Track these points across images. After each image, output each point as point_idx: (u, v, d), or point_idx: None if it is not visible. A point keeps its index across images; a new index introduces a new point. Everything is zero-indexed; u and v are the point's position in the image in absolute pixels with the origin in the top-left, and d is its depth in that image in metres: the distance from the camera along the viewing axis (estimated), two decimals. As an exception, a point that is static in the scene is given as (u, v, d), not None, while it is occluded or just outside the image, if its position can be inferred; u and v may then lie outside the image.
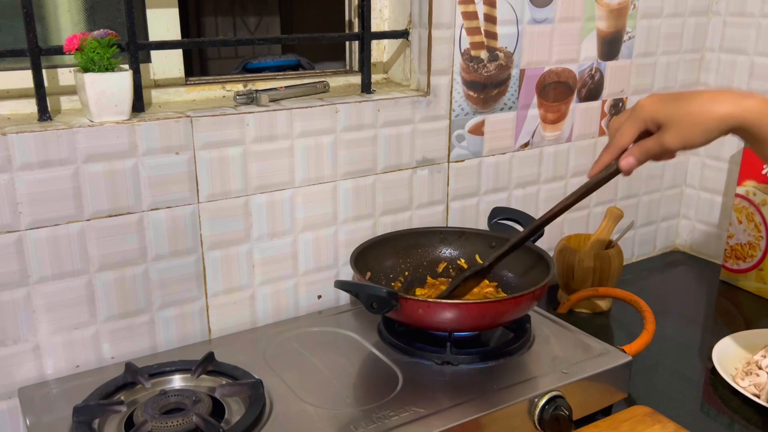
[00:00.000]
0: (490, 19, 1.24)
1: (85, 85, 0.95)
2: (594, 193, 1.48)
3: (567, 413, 0.94)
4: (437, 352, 1.02)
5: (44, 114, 0.97)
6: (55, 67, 1.06)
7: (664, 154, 0.85)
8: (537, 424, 0.94)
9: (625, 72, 1.45)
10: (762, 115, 0.80)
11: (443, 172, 1.28)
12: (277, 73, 1.27)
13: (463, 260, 1.22)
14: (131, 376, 0.96)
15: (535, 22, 1.29)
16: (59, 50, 0.97)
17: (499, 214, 1.22)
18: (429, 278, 1.19)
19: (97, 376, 0.99)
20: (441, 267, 1.21)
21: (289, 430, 0.88)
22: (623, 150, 0.87)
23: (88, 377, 0.99)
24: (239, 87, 1.18)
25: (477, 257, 1.20)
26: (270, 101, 1.12)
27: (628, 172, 0.87)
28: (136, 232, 1.02)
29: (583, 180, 1.47)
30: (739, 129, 0.81)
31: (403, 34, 1.24)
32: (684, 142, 0.82)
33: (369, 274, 1.13)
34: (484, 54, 1.25)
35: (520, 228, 1.20)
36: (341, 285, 1.04)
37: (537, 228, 1.02)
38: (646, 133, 0.86)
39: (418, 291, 1.16)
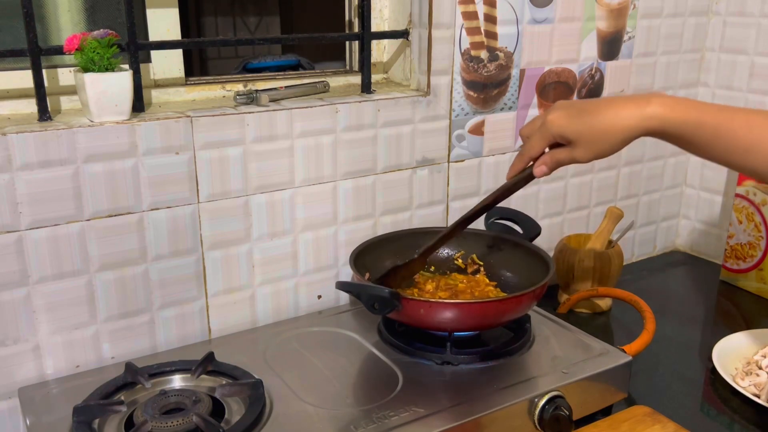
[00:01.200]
0: (490, 19, 1.24)
1: (85, 85, 0.95)
2: (594, 193, 1.50)
3: (567, 413, 0.94)
4: (437, 352, 1.02)
5: (44, 114, 0.97)
6: (55, 67, 1.06)
7: (577, 163, 0.91)
8: (537, 424, 0.94)
9: (625, 72, 1.45)
10: (664, 121, 0.82)
11: (443, 172, 1.28)
12: (277, 73, 1.27)
13: (460, 260, 1.22)
14: (131, 376, 0.96)
15: (535, 22, 1.29)
16: (59, 50, 0.97)
17: (495, 213, 1.22)
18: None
19: (97, 376, 0.99)
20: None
21: (289, 430, 0.88)
22: (533, 159, 0.93)
23: (88, 377, 0.99)
24: (239, 87, 1.18)
25: (474, 257, 1.20)
26: (270, 101, 1.12)
27: (540, 176, 0.93)
28: (136, 232, 1.02)
29: (583, 180, 1.47)
30: (649, 134, 0.85)
31: (403, 34, 1.24)
32: (594, 155, 0.88)
33: (368, 274, 1.13)
34: (484, 54, 1.25)
35: (516, 227, 1.20)
36: (342, 286, 1.03)
37: (456, 227, 1.06)
38: (556, 144, 0.91)
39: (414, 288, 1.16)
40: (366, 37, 1.19)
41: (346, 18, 1.33)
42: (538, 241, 1.18)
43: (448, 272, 1.21)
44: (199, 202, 1.06)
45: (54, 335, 1.00)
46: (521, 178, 0.95)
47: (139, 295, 1.05)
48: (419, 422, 0.88)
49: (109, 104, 0.96)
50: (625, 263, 1.37)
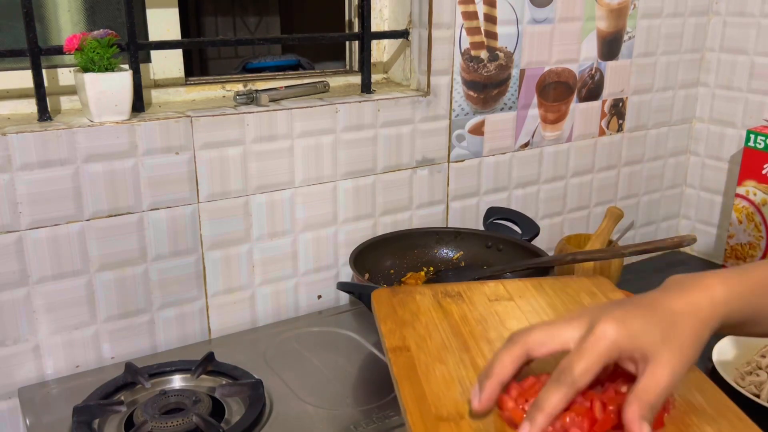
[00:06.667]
0: (490, 19, 1.24)
1: (85, 85, 0.95)
2: (594, 193, 1.50)
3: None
4: (437, 352, 1.02)
5: (44, 114, 0.97)
6: (55, 67, 1.06)
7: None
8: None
9: (625, 72, 1.45)
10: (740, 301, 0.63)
11: (443, 172, 1.28)
12: (277, 73, 1.27)
13: (463, 262, 1.22)
14: (131, 376, 0.96)
15: (535, 22, 1.29)
16: (59, 50, 0.97)
17: (494, 214, 1.23)
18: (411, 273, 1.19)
19: (97, 376, 0.99)
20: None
21: (289, 430, 0.88)
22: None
23: (88, 377, 0.99)
24: (239, 87, 1.18)
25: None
26: (270, 101, 1.12)
27: None
28: (136, 232, 1.02)
29: (583, 180, 1.47)
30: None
31: (403, 34, 1.24)
32: (682, 368, 0.58)
33: (368, 275, 1.13)
34: (484, 54, 1.25)
35: (515, 228, 1.20)
36: (343, 287, 1.03)
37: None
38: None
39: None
40: (366, 37, 1.19)
41: (346, 18, 1.33)
42: (538, 242, 1.18)
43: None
44: (199, 202, 1.06)
45: (54, 335, 1.00)
46: None
47: (139, 295, 1.05)
48: (419, 422, 0.88)
49: (109, 104, 0.96)
50: (625, 263, 1.37)
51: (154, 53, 1.12)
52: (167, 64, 1.14)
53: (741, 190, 1.44)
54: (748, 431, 0.61)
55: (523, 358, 0.57)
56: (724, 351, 1.16)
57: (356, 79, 1.27)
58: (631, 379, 0.57)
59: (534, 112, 1.35)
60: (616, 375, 0.59)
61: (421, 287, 0.82)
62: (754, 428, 0.61)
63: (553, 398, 0.54)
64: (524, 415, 0.56)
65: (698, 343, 0.59)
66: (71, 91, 1.04)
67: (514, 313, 0.77)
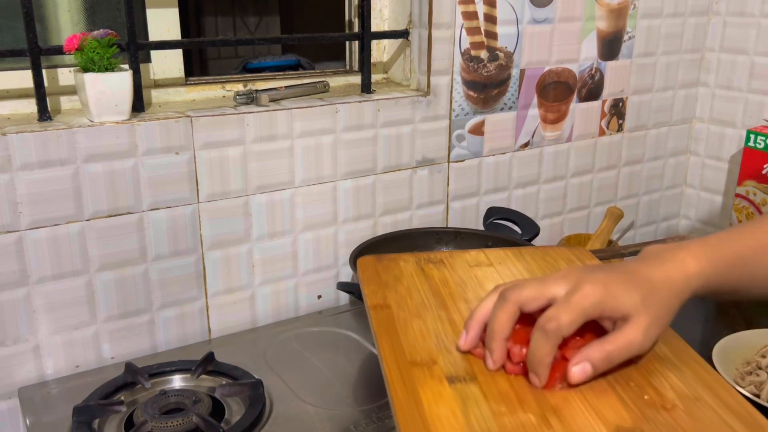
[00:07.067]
0: (490, 19, 1.24)
1: (85, 85, 0.95)
2: (594, 193, 1.50)
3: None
4: (437, 352, 1.02)
5: (44, 114, 0.97)
6: (55, 67, 1.06)
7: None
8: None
9: (625, 72, 1.45)
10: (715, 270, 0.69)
11: (443, 172, 1.28)
12: (277, 73, 1.27)
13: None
14: (131, 376, 0.96)
15: (535, 22, 1.29)
16: (59, 50, 0.97)
17: (494, 214, 1.22)
18: None
19: (97, 376, 0.99)
20: None
21: (289, 430, 0.88)
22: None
23: (88, 377, 0.99)
24: (239, 87, 1.18)
25: None
26: (270, 101, 1.12)
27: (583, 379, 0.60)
28: (136, 232, 1.02)
29: (583, 180, 1.47)
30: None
31: (403, 34, 1.24)
32: (659, 332, 0.63)
33: (369, 274, 1.13)
34: (484, 54, 1.25)
35: (515, 228, 1.20)
36: (343, 287, 1.03)
37: None
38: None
39: None
40: (366, 37, 1.19)
41: (346, 18, 1.33)
42: (538, 242, 1.18)
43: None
44: (199, 202, 1.06)
45: (54, 335, 1.00)
46: None
47: (139, 295, 1.05)
48: (419, 422, 0.88)
49: (109, 104, 0.96)
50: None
51: (154, 53, 1.12)
52: (167, 64, 1.14)
53: (741, 190, 1.44)
54: (710, 378, 0.63)
55: (517, 314, 0.61)
56: (724, 351, 1.16)
57: (356, 79, 1.27)
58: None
59: (534, 112, 1.35)
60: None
61: (405, 255, 0.85)
62: (716, 376, 0.63)
63: (546, 348, 0.59)
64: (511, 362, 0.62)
65: (672, 312, 0.64)
66: (71, 91, 1.04)
67: (492, 277, 0.80)
